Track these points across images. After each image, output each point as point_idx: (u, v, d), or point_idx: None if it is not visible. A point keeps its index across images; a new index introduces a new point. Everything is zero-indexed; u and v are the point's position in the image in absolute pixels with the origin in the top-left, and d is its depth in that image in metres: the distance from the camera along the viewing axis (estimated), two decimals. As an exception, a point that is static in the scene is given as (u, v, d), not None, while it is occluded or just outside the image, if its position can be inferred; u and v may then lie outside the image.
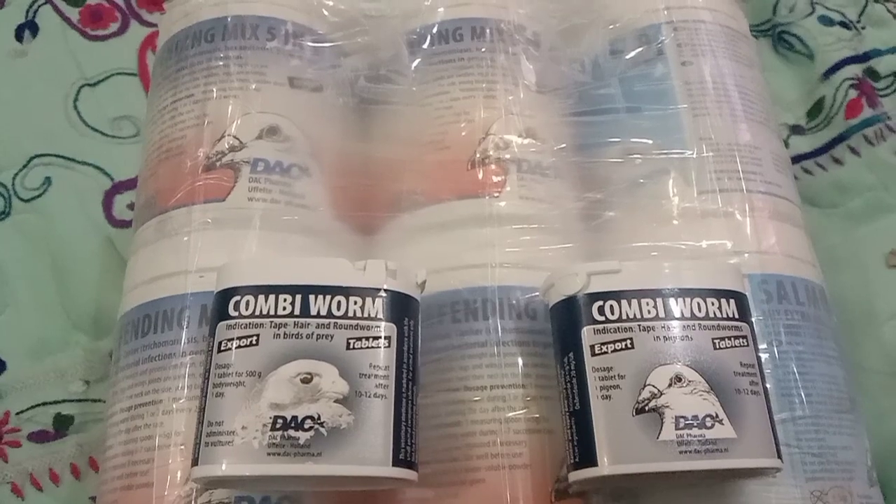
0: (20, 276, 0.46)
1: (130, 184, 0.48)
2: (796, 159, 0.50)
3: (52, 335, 0.45)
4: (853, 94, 0.51)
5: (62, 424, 0.43)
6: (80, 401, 0.43)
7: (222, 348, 0.27)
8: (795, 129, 0.52)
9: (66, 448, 0.42)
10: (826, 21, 0.54)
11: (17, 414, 0.43)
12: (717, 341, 0.28)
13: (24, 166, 0.49)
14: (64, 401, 0.43)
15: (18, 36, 0.53)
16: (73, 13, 0.54)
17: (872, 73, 0.51)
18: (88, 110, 0.51)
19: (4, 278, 0.46)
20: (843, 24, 0.53)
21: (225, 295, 0.28)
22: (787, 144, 0.50)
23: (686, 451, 0.27)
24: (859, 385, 0.37)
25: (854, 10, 0.54)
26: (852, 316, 0.43)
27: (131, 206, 0.46)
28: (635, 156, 0.38)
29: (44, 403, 0.43)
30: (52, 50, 0.53)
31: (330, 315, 0.27)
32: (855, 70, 0.51)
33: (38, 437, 0.42)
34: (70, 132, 0.50)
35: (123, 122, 0.51)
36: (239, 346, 0.27)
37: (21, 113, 0.51)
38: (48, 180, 0.48)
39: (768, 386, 0.29)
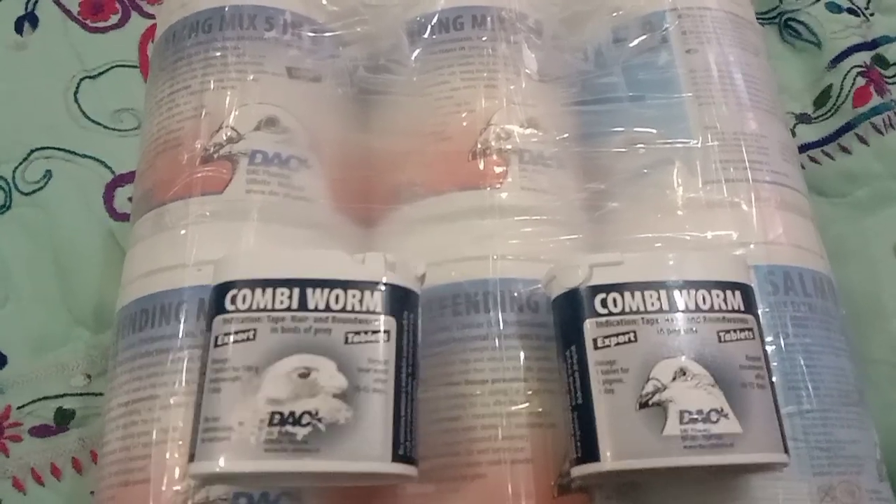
0: (21, 270, 0.46)
1: (131, 177, 0.47)
2: (803, 148, 0.50)
3: (54, 329, 0.45)
4: (861, 81, 0.50)
5: (63, 419, 0.43)
6: (81, 395, 0.43)
7: (219, 343, 0.27)
8: (802, 118, 0.51)
9: (68, 442, 0.42)
10: (834, 8, 0.53)
11: (19, 408, 0.43)
12: (722, 334, 0.28)
13: (25, 159, 0.49)
14: (65, 395, 0.43)
15: (18, 28, 0.53)
16: (74, 5, 0.54)
17: (881, 61, 0.51)
18: (89, 103, 0.51)
19: (5, 272, 0.46)
20: (851, 11, 0.53)
21: (222, 289, 0.28)
22: (793, 133, 0.50)
23: (691, 446, 0.26)
24: (867, 377, 0.37)
25: (862, -4, 0.54)
26: (860, 307, 0.43)
27: (132, 199, 0.46)
28: (639, 145, 0.37)
29: (45, 398, 0.43)
30: (53, 42, 0.53)
31: (328, 309, 0.27)
32: (863, 57, 0.51)
33: (40, 431, 0.42)
34: (70, 125, 0.50)
35: (124, 114, 0.51)
36: (236, 341, 0.27)
37: (21, 106, 0.51)
38: (49, 173, 0.48)
39: (775, 379, 0.29)
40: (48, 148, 0.49)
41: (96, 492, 0.33)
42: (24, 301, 0.45)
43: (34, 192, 0.48)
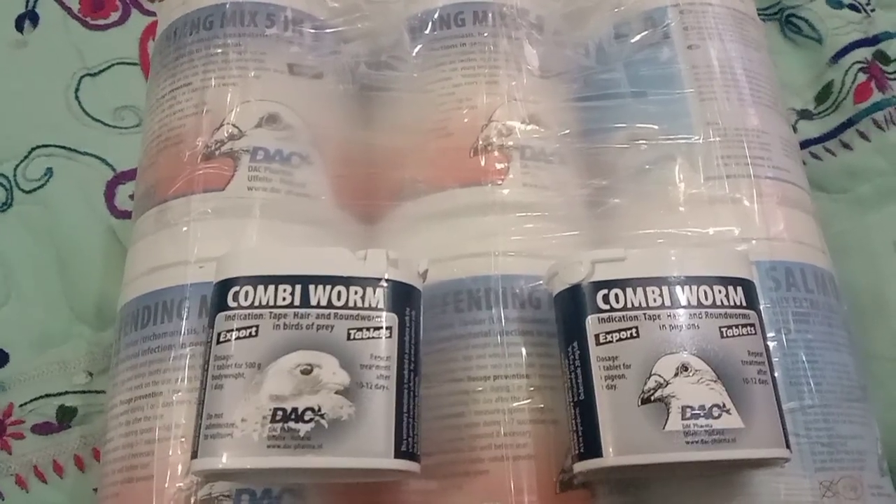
0: (23, 268, 0.46)
1: (132, 174, 0.47)
2: (804, 144, 0.50)
3: (56, 327, 0.45)
4: (862, 77, 0.50)
5: (66, 416, 0.43)
6: (83, 392, 0.43)
7: (221, 339, 0.27)
8: (803, 114, 0.51)
9: (70, 440, 0.42)
10: (835, 4, 0.53)
11: (21, 406, 0.43)
12: (724, 330, 0.28)
13: (26, 157, 0.49)
14: (67, 392, 0.43)
15: (19, 26, 0.53)
16: (74, 2, 0.54)
17: (882, 57, 0.51)
18: (90, 100, 0.51)
19: (7, 270, 0.46)
20: (853, 7, 0.53)
21: (224, 286, 0.28)
22: (795, 129, 0.50)
23: (693, 442, 0.26)
24: (870, 373, 0.37)
25: (863, -8, 0.53)
26: (862, 303, 0.43)
27: (133, 197, 0.46)
28: (641, 141, 0.37)
29: (47, 395, 0.43)
30: (53, 40, 0.53)
31: (330, 305, 0.27)
32: (864, 53, 0.51)
33: (42, 428, 0.42)
34: (71, 122, 0.50)
35: (125, 111, 0.51)
36: (238, 338, 0.27)
37: (22, 103, 0.50)
38: (50, 171, 0.48)
39: (777, 375, 0.29)
40: (49, 146, 0.49)
41: (100, 488, 0.32)
42: (26, 299, 0.45)
43: (35, 189, 0.48)
